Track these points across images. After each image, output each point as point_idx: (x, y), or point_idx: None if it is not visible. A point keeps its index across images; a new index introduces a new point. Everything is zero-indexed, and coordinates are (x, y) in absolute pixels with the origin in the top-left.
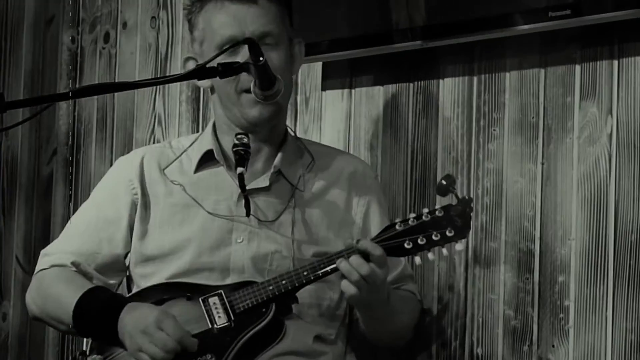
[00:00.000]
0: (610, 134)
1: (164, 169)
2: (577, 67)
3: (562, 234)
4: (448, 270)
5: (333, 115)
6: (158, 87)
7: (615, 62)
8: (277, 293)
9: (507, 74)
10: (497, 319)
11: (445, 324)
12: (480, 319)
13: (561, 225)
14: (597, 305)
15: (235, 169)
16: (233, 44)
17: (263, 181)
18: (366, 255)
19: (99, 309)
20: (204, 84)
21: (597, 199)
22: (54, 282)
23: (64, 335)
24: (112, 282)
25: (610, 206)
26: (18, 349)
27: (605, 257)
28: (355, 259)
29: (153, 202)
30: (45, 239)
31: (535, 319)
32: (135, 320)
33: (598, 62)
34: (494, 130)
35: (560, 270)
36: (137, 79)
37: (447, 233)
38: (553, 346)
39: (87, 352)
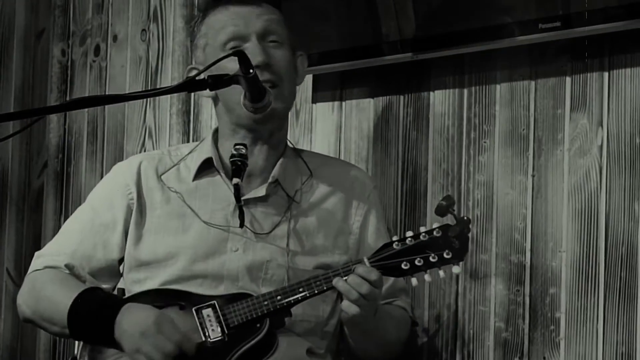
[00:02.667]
0: (601, 146)
1: (160, 175)
2: (568, 79)
3: (552, 245)
4: (439, 282)
5: (323, 127)
6: (148, 99)
7: (606, 74)
8: (272, 309)
9: (498, 86)
10: (488, 331)
11: (437, 336)
12: (471, 331)
13: (552, 237)
14: (588, 317)
15: (231, 178)
16: (223, 57)
17: (260, 191)
18: (363, 278)
19: (95, 309)
20: (205, 93)
21: (587, 210)
22: (48, 283)
23: (55, 347)
24: (105, 286)
25: (600, 218)
26: None
27: (596, 269)
28: (353, 278)
29: (149, 208)
30: (36, 251)
31: (526, 331)
32: (133, 322)
33: (588, 74)
34: (485, 142)
35: (551, 282)
36: (127, 92)
37: (445, 255)
38: (544, 358)
39: (79, 358)
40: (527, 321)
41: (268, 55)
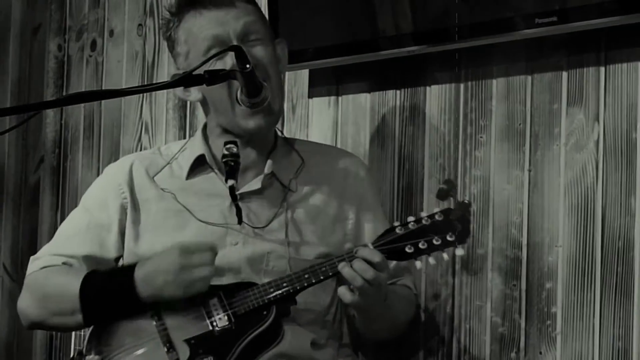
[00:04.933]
0: (597, 141)
1: (153, 177)
2: (564, 74)
3: (549, 240)
4: (435, 277)
5: (320, 122)
6: (145, 94)
7: (602, 69)
8: (278, 296)
9: (494, 81)
10: (484, 326)
11: (433, 331)
12: (468, 326)
13: (548, 232)
14: (584, 311)
15: (226, 180)
16: (220, 51)
17: (255, 184)
18: (367, 262)
19: (109, 276)
20: (193, 97)
21: (584, 205)
22: (50, 277)
23: (52, 343)
24: None
25: (597, 213)
26: (6, 358)
27: (592, 264)
28: (358, 264)
29: (143, 206)
30: (33, 247)
31: (523, 325)
32: (166, 265)
33: (585, 69)
34: (481, 137)
35: (548, 277)
36: (124, 87)
37: (448, 238)
38: (540, 353)
39: (84, 352)
40: (523, 316)
41: (253, 57)
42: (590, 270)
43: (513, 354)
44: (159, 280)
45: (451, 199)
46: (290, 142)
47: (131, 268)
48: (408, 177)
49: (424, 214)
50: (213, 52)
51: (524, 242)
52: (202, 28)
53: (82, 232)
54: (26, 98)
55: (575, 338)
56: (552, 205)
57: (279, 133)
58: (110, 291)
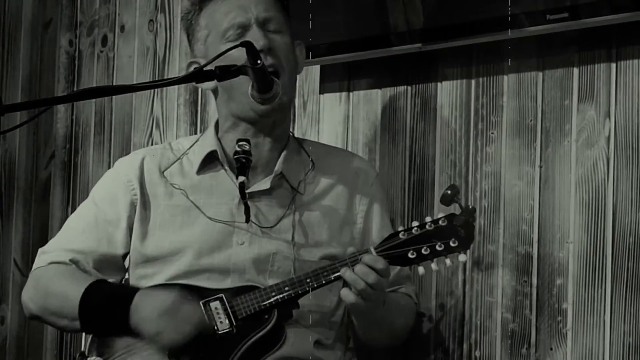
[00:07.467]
0: (608, 137)
1: (163, 171)
2: (575, 70)
3: (560, 237)
4: (447, 273)
5: (331, 118)
6: (156, 90)
7: (613, 65)
8: (280, 300)
9: (505, 77)
10: (495, 322)
11: (444, 327)
12: (479, 322)
13: (559, 229)
14: (595, 308)
15: (237, 177)
16: (231, 47)
17: (264, 184)
18: (370, 267)
19: (108, 296)
20: (206, 85)
21: (595, 202)
22: (55, 277)
23: (62, 338)
24: (110, 280)
25: (608, 209)
26: (16, 353)
27: (603, 260)
28: (360, 268)
29: (153, 203)
30: (43, 242)
31: (534, 322)
32: (152, 305)
33: (596, 65)
34: (492, 133)
35: (558, 273)
36: (135, 82)
37: (451, 244)
38: (551, 349)
39: (87, 354)
40: (534, 312)
41: (270, 40)
42: (601, 267)
43: (524, 350)
44: (143, 313)
45: (455, 204)
46: (301, 143)
47: (132, 293)
48: (419, 172)
49: (428, 219)
50: (231, 35)
51: (535, 238)
52: (223, 13)
53: (90, 227)
54: (37, 93)
55: (585, 334)
56: (563, 201)
57: (291, 134)
58: (107, 312)
